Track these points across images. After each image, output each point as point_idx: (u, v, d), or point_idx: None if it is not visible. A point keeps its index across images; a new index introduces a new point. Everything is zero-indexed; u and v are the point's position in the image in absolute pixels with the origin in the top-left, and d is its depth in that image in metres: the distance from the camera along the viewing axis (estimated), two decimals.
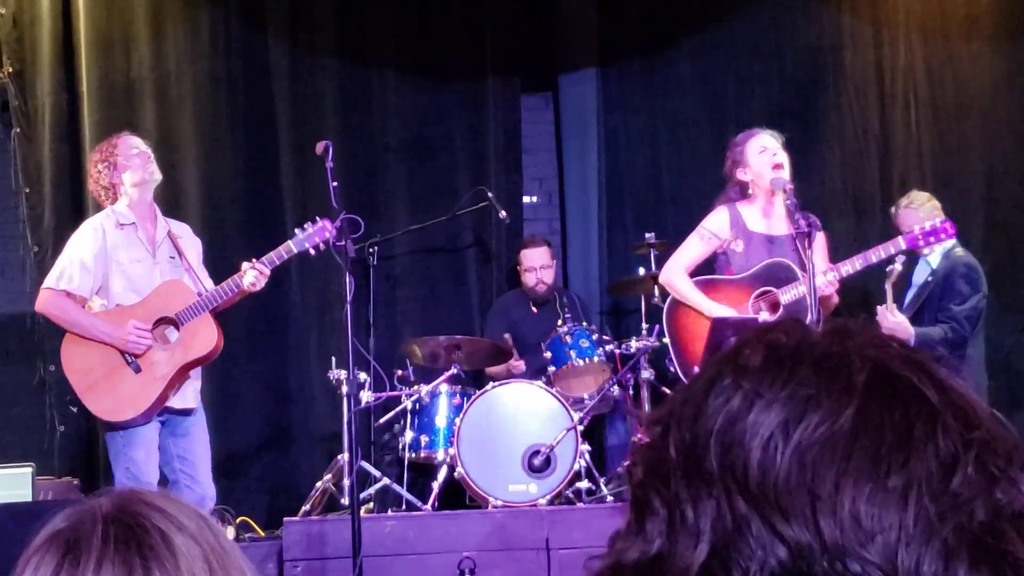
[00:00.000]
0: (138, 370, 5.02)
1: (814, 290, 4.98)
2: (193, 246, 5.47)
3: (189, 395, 5.21)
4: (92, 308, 5.13)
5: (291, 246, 5.26)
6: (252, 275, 5.13)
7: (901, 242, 5.42)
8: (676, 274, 5.62)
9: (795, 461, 0.77)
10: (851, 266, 5.33)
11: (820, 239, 5.34)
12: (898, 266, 5.50)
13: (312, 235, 5.25)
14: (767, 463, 0.77)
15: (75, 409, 5.15)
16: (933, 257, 5.90)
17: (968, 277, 5.81)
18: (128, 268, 5.15)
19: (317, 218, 5.30)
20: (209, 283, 5.31)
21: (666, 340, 5.60)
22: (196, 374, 5.26)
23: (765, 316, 5.30)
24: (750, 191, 5.53)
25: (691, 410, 0.82)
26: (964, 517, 0.75)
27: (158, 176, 5.29)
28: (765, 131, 5.56)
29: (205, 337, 5.12)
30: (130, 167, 5.19)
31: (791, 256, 5.40)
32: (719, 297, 5.48)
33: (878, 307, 5.56)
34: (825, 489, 0.76)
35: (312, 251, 5.29)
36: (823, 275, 5.25)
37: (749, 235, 5.51)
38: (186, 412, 5.20)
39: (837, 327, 0.84)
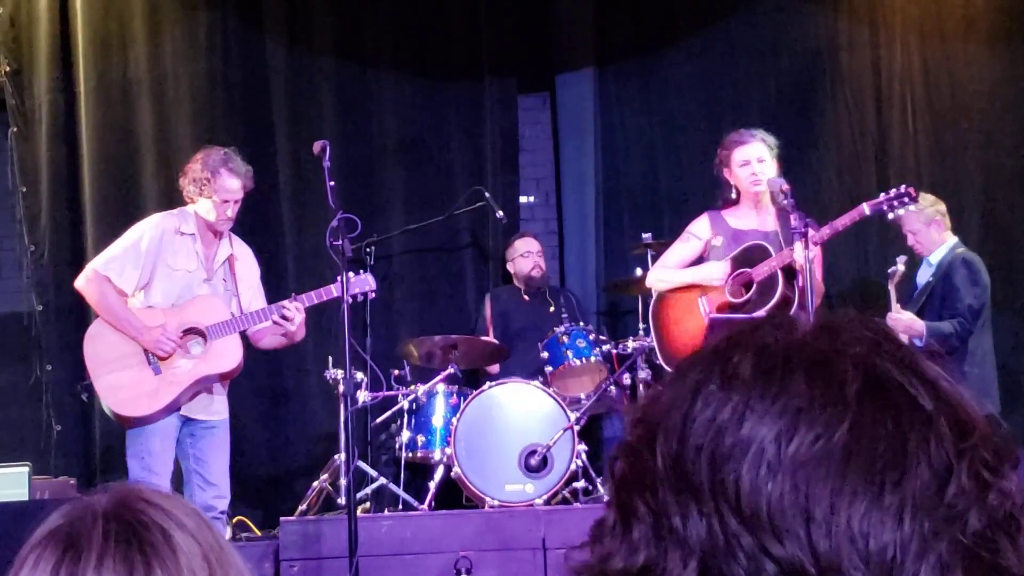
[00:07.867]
0: (158, 372, 5.09)
1: (812, 290, 4.97)
2: (251, 268, 5.48)
3: (213, 407, 5.26)
4: (130, 303, 5.19)
5: (332, 289, 5.28)
6: (292, 310, 5.17)
7: (865, 208, 5.34)
8: (660, 269, 5.68)
9: (788, 480, 0.75)
10: (820, 236, 5.26)
11: (816, 254, 5.30)
12: (900, 267, 5.49)
13: (354, 284, 5.28)
14: (759, 483, 0.76)
15: (85, 397, 5.13)
16: (935, 256, 5.88)
17: (968, 271, 5.79)
18: (175, 274, 5.20)
19: (362, 272, 5.44)
20: (260, 304, 5.36)
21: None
22: (220, 389, 5.30)
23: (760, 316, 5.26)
24: (734, 194, 5.55)
25: (677, 417, 0.80)
26: (959, 529, 0.75)
27: (227, 227, 5.30)
28: (756, 137, 5.49)
29: (231, 355, 5.20)
30: (209, 204, 5.21)
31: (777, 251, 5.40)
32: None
33: (888, 314, 5.53)
34: (820, 509, 0.75)
35: (351, 300, 5.19)
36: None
37: (730, 232, 5.52)
38: (208, 423, 5.26)
39: (826, 323, 0.83)
